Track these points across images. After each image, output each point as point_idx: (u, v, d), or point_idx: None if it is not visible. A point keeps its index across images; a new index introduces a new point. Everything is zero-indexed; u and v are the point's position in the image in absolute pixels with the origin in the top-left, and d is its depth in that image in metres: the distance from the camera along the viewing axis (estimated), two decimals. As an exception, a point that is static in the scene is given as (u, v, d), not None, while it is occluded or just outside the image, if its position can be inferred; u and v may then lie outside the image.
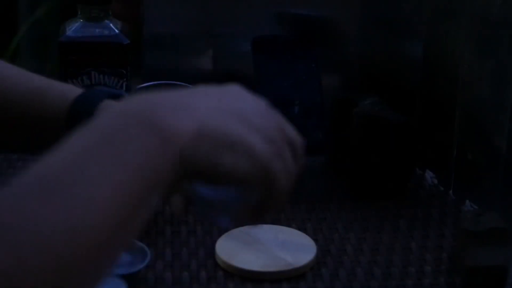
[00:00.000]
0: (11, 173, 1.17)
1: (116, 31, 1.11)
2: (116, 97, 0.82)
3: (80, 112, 0.80)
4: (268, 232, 1.01)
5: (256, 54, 1.19)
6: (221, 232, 1.02)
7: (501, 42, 1.04)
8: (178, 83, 1.17)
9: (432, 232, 1.06)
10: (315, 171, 1.11)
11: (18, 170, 1.18)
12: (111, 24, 1.12)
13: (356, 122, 1.12)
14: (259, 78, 1.16)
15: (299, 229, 1.04)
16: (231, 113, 0.65)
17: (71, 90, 0.83)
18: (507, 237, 0.93)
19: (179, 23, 1.27)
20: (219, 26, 1.27)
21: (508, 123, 1.03)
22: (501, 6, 1.03)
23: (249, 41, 1.19)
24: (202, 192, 0.69)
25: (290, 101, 1.13)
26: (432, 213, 1.11)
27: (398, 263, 0.99)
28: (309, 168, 1.11)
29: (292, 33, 1.27)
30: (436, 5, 1.16)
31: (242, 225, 0.97)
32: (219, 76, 1.28)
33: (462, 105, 1.12)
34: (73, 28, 1.11)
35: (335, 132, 1.17)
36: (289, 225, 1.05)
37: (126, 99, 0.68)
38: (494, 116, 1.06)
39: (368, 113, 1.12)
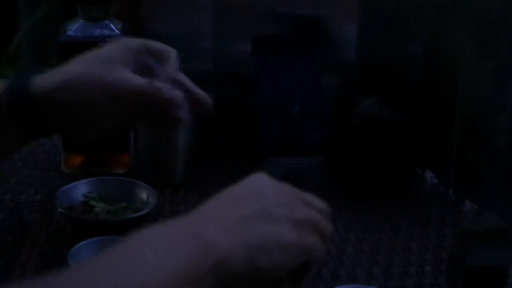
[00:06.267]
0: (11, 173, 1.17)
1: (116, 31, 1.11)
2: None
3: (18, 87, 0.83)
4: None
5: (256, 54, 1.19)
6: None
7: (501, 42, 1.04)
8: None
9: (432, 232, 1.06)
10: (315, 171, 1.11)
11: (19, 170, 1.18)
12: (111, 24, 1.12)
13: (356, 122, 1.12)
14: (259, 78, 1.16)
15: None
16: (257, 217, 0.69)
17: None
18: (507, 237, 0.93)
19: (179, 23, 1.27)
20: (219, 26, 1.27)
21: (508, 123, 1.03)
22: (501, 6, 1.03)
23: (249, 41, 1.19)
24: None
25: (290, 101, 1.13)
26: (432, 213, 1.11)
27: (398, 263, 0.99)
28: (309, 168, 1.12)
29: (292, 33, 1.27)
30: (436, 5, 1.16)
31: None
32: (219, 76, 1.28)
33: (462, 105, 1.12)
34: (73, 28, 1.11)
35: (335, 132, 1.17)
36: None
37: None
38: (494, 116, 1.06)
39: (368, 113, 1.12)
